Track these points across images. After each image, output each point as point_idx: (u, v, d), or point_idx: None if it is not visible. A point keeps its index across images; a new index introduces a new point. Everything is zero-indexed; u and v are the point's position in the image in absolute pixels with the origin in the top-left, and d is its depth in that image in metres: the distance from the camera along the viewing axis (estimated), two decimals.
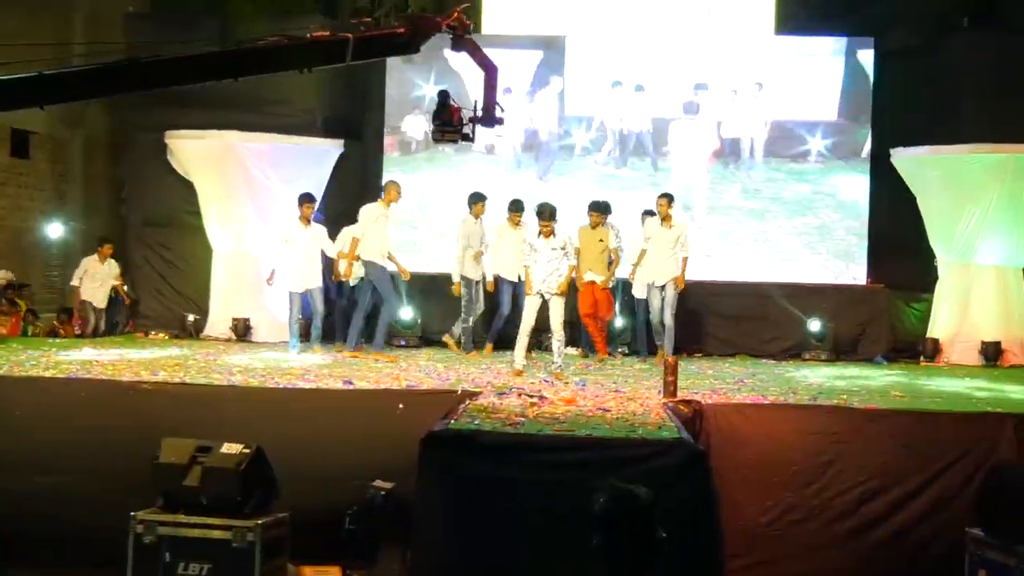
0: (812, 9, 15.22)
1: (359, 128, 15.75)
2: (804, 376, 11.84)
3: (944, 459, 8.51)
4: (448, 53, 14.46)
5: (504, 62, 14.51)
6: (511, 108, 14.44)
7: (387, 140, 15.36)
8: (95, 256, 14.86)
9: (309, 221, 12.84)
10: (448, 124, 9.58)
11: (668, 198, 12.57)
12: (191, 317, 14.83)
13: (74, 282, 14.84)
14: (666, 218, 12.55)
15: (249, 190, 14.58)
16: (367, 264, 12.72)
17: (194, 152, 14.80)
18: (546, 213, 11.09)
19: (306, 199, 12.85)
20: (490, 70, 9.68)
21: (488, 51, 9.85)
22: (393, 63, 14.92)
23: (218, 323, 14.66)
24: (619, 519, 4.20)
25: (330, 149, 15.03)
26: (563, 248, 11.08)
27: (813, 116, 14.81)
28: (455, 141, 9.85)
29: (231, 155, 14.54)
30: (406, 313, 14.16)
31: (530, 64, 15.01)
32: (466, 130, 9.61)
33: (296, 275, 12.84)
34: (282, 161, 14.61)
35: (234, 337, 14.27)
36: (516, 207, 13.09)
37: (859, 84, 14.73)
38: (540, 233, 11.10)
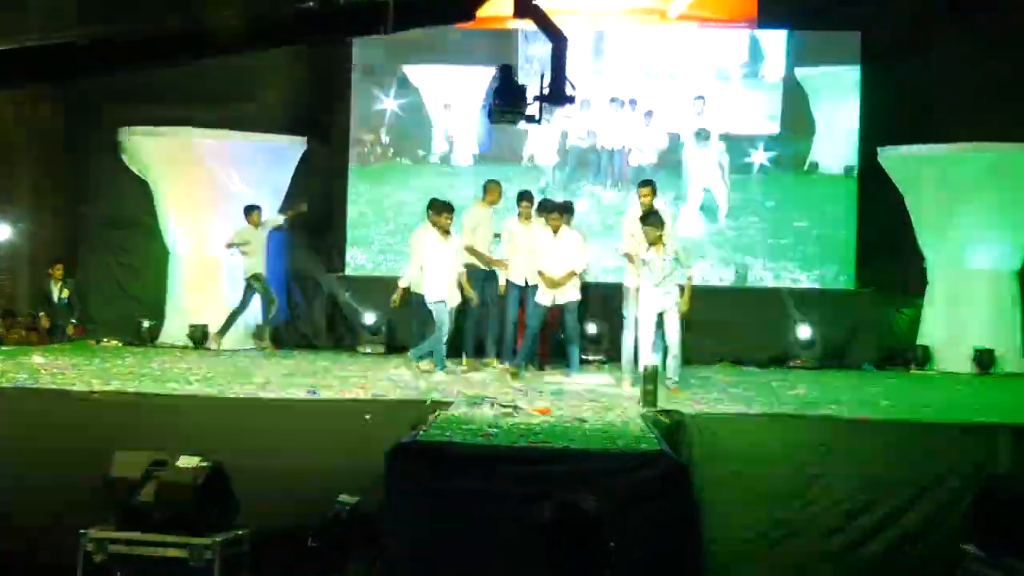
0: (794, 4, 15.28)
1: (325, 127, 15.71)
2: (790, 385, 11.85)
3: (936, 471, 8.50)
4: (408, 68, 14.65)
5: (459, 77, 15.01)
6: (467, 121, 14.88)
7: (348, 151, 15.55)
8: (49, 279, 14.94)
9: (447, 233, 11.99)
10: (511, 103, 9.11)
11: (651, 187, 11.68)
12: (146, 323, 14.72)
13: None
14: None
15: (208, 190, 14.50)
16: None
17: (150, 150, 14.69)
18: (655, 221, 10.77)
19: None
20: (559, 40, 9.12)
21: (443, 67, 9.68)
22: (356, 76, 15.36)
23: (174, 329, 14.56)
24: (564, 530, 4.18)
25: (293, 147, 14.97)
26: (675, 258, 10.75)
27: (756, 130, 15.14)
28: (514, 122, 9.55)
29: (189, 153, 14.47)
30: (371, 318, 14.12)
31: (483, 79, 15.03)
32: (531, 110, 9.15)
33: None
34: (243, 159, 14.56)
35: (191, 344, 14.17)
36: (526, 197, 12.59)
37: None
38: (648, 245, 10.74)
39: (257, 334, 14.14)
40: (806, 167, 15.15)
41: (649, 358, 10.59)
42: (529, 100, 9.12)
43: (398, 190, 15.36)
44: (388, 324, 14.27)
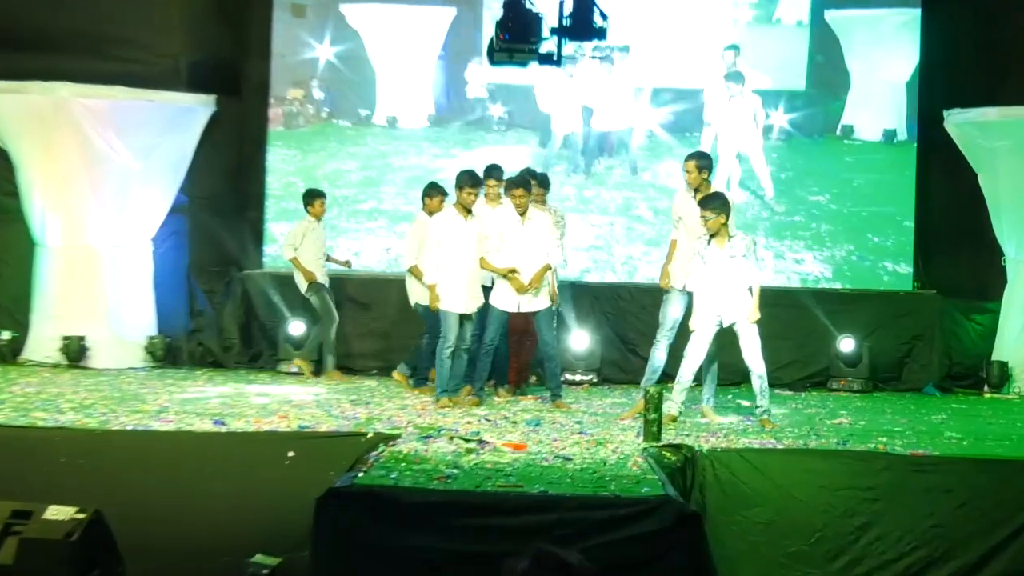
0: None
1: (235, 81, 15.67)
2: (830, 412, 11.90)
3: (1015, 521, 8.58)
4: (346, 9, 14.71)
5: (410, 20, 15.06)
6: (420, 75, 14.93)
7: (269, 112, 15.54)
8: None
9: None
10: (520, 37, 8.86)
11: (699, 160, 11.35)
12: (5, 334, 14.63)
13: None
14: (702, 191, 11.36)
15: (87, 163, 14.40)
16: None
17: (10, 111, 14.58)
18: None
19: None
20: None
21: (390, 7, 9.57)
22: (279, 16, 15.34)
23: (43, 343, 14.46)
24: None
25: (197, 108, 14.92)
26: (745, 255, 10.67)
27: (778, 86, 15.18)
28: (524, 63, 9.27)
29: (62, 115, 14.33)
30: (297, 328, 14.08)
31: (441, 23, 15.22)
32: (546, 47, 8.96)
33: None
34: (132, 123, 14.44)
35: (65, 361, 14.09)
36: (494, 173, 12.31)
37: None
38: (709, 236, 10.67)
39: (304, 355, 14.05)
40: (838, 131, 15.27)
41: (687, 379, 10.78)
42: (545, 33, 8.93)
43: (332, 158, 15.40)
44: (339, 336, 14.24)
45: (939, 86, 14.85)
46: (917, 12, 15.05)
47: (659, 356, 11.59)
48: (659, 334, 11.60)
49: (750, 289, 10.67)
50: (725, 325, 10.73)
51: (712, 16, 15.28)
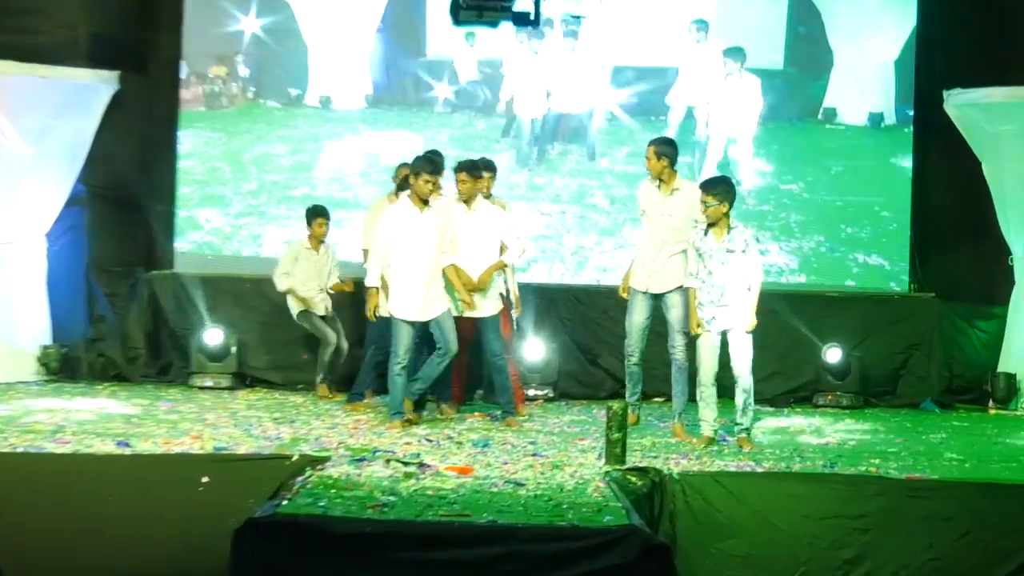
0: None
1: (142, 56, 15.60)
2: (817, 431, 11.96)
3: (1022, 553, 8.63)
4: None
5: None
6: (356, 50, 15.08)
7: (187, 92, 15.50)
8: None
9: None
10: None
11: (659, 146, 11.47)
12: None
13: None
14: (666, 181, 11.61)
15: None
16: None
17: None
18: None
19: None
20: None
21: None
22: None
23: None
24: None
25: (98, 85, 14.83)
26: (744, 250, 10.71)
27: (753, 63, 15.24)
28: (494, 23, 9.15)
29: None
30: (214, 337, 14.02)
31: None
32: (521, 5, 8.87)
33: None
34: (24, 103, 14.37)
35: None
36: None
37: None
38: (706, 225, 10.70)
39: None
40: (819, 115, 15.41)
41: (710, 391, 10.84)
42: None
43: (260, 141, 15.44)
44: (238, 345, 14.26)
45: (938, 64, 14.93)
46: None
47: (636, 369, 11.77)
48: (628, 345, 11.66)
49: (748, 289, 10.75)
50: (716, 331, 10.79)
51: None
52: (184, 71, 15.46)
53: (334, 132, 15.28)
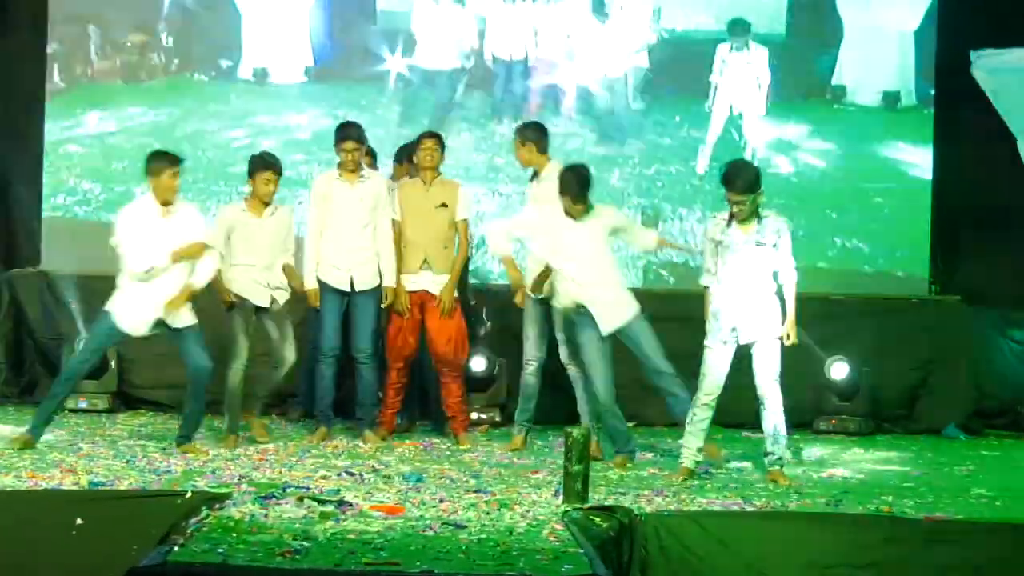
0: None
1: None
2: (818, 463, 12.03)
3: None
4: None
5: None
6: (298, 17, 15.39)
7: (101, 63, 15.74)
8: None
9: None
10: None
11: (522, 133, 12.47)
12: None
13: None
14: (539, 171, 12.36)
15: None
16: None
17: None
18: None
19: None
20: None
21: None
22: None
23: None
24: None
25: None
26: (775, 243, 10.87)
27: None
28: None
29: None
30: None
31: None
32: None
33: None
34: None
35: None
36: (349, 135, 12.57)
37: None
38: (731, 218, 10.89)
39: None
40: (827, 93, 15.61)
41: (703, 416, 10.96)
42: None
43: (193, 116, 15.77)
44: (119, 359, 14.27)
45: (966, 27, 15.01)
46: None
47: (531, 382, 12.34)
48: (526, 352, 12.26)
49: (777, 294, 10.94)
50: (743, 342, 10.93)
51: None
52: (95, 37, 15.51)
53: (272, 108, 15.55)
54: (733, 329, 10.84)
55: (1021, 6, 14.64)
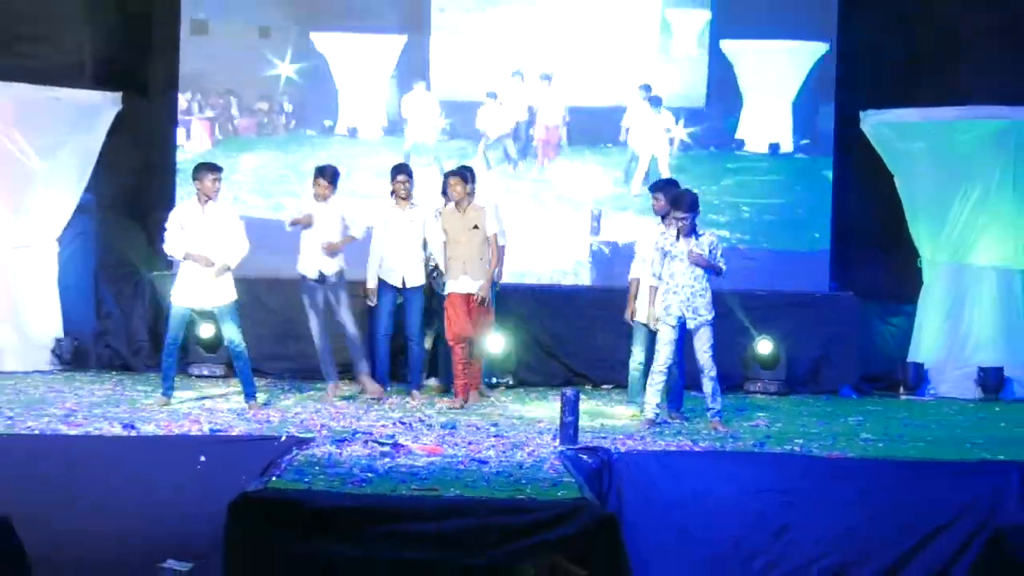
0: None
1: (142, 76, 15.60)
2: (747, 415, 12.01)
3: (931, 523, 8.72)
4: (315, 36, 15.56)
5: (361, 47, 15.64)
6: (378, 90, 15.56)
7: (243, 121, 15.77)
8: None
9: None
10: None
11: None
12: None
13: None
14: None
15: None
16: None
17: None
18: None
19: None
20: None
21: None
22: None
23: None
24: None
25: (103, 105, 14.78)
26: (710, 252, 10.91)
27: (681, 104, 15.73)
28: None
29: None
30: (207, 331, 13.96)
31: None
32: None
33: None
34: (37, 121, 14.30)
35: None
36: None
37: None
38: (677, 233, 10.95)
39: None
40: (732, 145, 15.73)
41: (659, 380, 10.93)
42: None
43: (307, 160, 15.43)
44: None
45: (860, 86, 15.00)
46: (802, 43, 15.50)
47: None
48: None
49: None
50: (689, 328, 10.91)
51: (626, 48, 15.76)
52: (235, 106, 15.66)
53: (360, 155, 15.51)
54: (679, 317, 10.86)
55: (905, 67, 14.73)
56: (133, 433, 9.73)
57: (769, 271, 15.00)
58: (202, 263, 11.46)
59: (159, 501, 8.61)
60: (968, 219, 14.24)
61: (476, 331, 12.27)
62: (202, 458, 8.90)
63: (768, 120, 15.56)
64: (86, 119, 14.65)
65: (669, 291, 10.92)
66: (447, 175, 12.43)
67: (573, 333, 14.35)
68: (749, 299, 14.42)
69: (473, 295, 12.09)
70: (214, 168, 11.66)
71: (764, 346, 14.17)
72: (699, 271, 10.83)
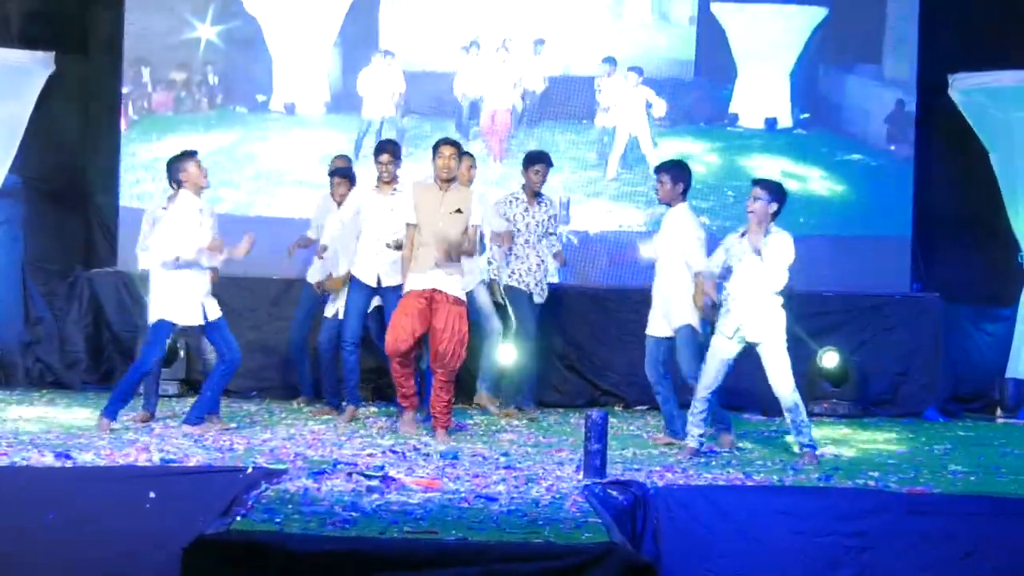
0: None
1: (80, 35, 15.66)
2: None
3: None
4: None
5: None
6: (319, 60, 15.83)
7: (158, 96, 15.88)
8: None
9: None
10: None
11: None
12: None
13: None
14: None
15: None
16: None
17: None
18: None
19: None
20: None
21: None
22: None
23: None
24: None
25: (31, 67, 14.87)
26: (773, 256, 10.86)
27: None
28: None
29: None
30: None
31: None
32: None
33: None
34: None
35: None
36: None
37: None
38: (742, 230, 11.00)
39: None
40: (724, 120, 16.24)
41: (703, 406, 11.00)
42: None
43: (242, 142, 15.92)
44: (187, 349, 14.31)
45: (943, 50, 15.04)
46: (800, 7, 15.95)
47: None
48: None
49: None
50: (750, 341, 10.95)
51: (598, 12, 16.25)
52: (146, 75, 15.67)
53: (300, 134, 15.82)
54: (737, 329, 10.90)
55: (1000, 27, 14.75)
56: (68, 464, 9.73)
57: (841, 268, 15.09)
58: (218, 257, 11.68)
59: (101, 544, 8.56)
60: None
61: (447, 348, 11.82)
62: (152, 494, 8.87)
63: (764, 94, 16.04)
64: (10, 83, 14.71)
65: (729, 298, 10.96)
66: (440, 143, 11.99)
67: (600, 343, 14.37)
68: (812, 300, 14.44)
69: (442, 292, 11.77)
70: (191, 154, 11.79)
71: (830, 359, 14.19)
72: (761, 276, 10.84)
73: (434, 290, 11.68)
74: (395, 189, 12.37)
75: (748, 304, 10.80)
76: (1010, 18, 14.69)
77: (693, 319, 11.35)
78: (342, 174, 13.20)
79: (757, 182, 11.02)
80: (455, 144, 11.99)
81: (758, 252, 10.68)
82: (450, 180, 11.80)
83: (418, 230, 11.77)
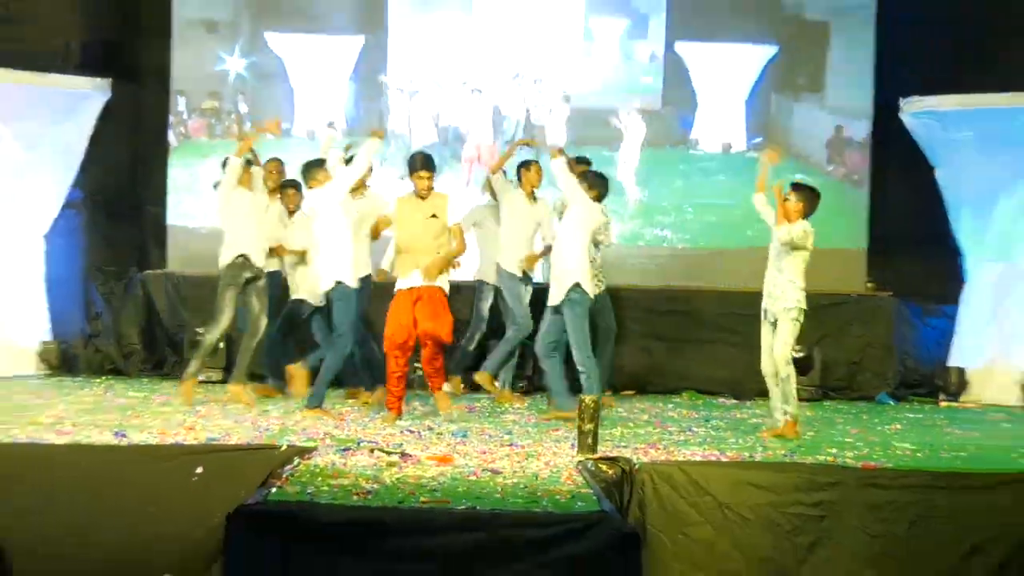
0: None
1: (133, 62, 15.69)
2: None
3: (971, 538, 8.71)
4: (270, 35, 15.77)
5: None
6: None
7: (193, 123, 15.84)
8: None
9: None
10: None
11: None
12: None
13: None
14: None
15: None
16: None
17: None
18: None
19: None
20: None
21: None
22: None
23: None
24: None
25: (90, 93, 14.89)
26: (790, 242, 11.14)
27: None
28: None
29: None
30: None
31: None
32: None
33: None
34: (18, 109, 14.42)
35: None
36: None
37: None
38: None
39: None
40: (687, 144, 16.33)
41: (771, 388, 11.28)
42: None
43: None
44: (228, 341, 14.22)
45: (898, 74, 15.06)
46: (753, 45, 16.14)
47: None
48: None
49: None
50: (771, 320, 11.28)
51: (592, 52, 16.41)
52: (182, 104, 15.68)
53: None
54: (764, 307, 11.32)
55: (949, 53, 14.82)
56: (125, 442, 9.76)
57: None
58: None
59: (153, 514, 8.52)
60: (1016, 214, 14.29)
61: (432, 324, 11.72)
62: (198, 469, 8.88)
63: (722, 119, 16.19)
64: (72, 108, 14.72)
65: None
66: (420, 169, 11.87)
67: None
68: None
69: (424, 288, 11.73)
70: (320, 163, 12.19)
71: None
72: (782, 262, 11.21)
73: (420, 287, 11.74)
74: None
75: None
76: (957, 47, 14.68)
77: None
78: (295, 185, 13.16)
79: (792, 185, 11.35)
80: (432, 168, 11.92)
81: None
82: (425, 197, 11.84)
83: (402, 238, 11.88)
